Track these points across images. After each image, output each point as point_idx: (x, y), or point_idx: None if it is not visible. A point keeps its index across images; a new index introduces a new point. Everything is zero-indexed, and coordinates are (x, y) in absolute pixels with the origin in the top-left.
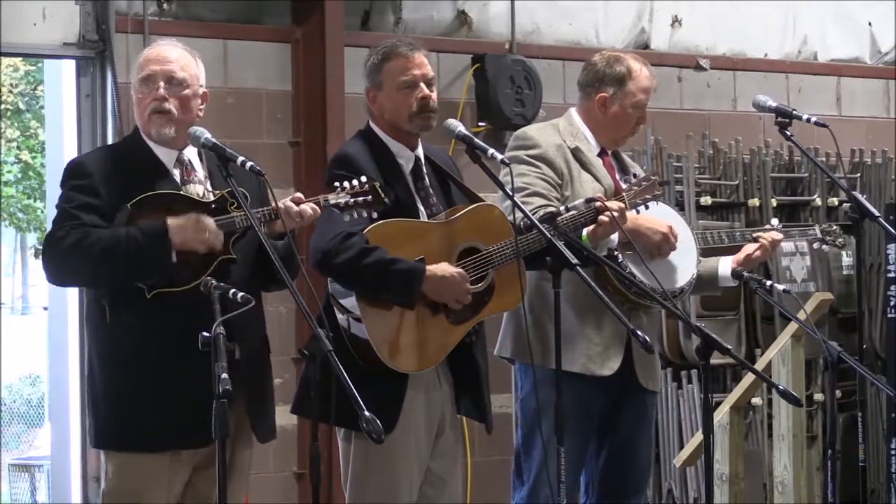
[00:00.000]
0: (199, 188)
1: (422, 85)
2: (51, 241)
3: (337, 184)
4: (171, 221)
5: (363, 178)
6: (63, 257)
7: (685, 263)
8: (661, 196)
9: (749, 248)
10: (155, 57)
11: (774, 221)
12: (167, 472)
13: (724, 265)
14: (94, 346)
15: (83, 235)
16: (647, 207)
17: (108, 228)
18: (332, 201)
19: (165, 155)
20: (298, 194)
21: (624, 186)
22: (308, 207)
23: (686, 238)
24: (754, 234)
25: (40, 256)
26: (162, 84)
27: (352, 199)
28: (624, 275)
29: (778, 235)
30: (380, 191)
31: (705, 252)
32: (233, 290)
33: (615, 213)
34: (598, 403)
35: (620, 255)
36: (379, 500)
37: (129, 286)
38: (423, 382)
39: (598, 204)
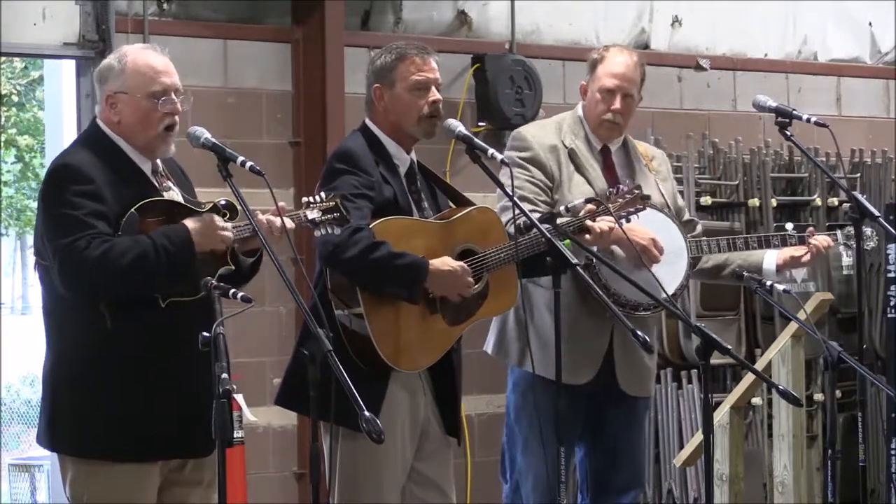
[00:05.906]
0: (176, 195)
1: (433, 89)
2: (71, 252)
3: (305, 199)
4: (191, 225)
5: (323, 195)
6: (90, 270)
7: (673, 272)
8: (644, 209)
9: (797, 251)
10: (164, 69)
11: (789, 226)
12: (156, 482)
13: (770, 260)
14: (85, 348)
15: (109, 247)
16: (628, 220)
17: (126, 237)
18: (310, 217)
19: (142, 162)
20: (282, 203)
21: (608, 196)
22: (289, 221)
23: (676, 247)
24: (810, 240)
25: (54, 267)
26: (174, 97)
27: (321, 216)
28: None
29: (827, 241)
30: (342, 207)
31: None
32: (233, 290)
33: (605, 229)
34: (578, 409)
35: (597, 266)
36: (368, 499)
37: (149, 295)
38: (408, 384)
39: (588, 223)
